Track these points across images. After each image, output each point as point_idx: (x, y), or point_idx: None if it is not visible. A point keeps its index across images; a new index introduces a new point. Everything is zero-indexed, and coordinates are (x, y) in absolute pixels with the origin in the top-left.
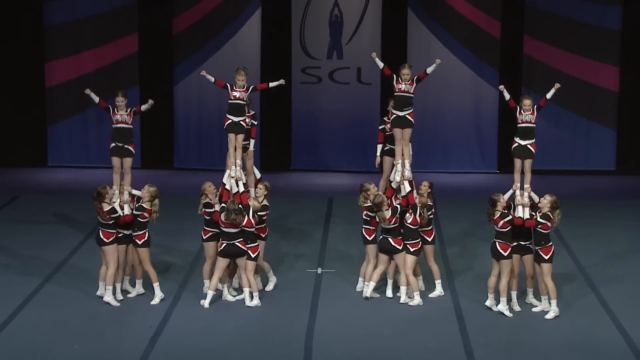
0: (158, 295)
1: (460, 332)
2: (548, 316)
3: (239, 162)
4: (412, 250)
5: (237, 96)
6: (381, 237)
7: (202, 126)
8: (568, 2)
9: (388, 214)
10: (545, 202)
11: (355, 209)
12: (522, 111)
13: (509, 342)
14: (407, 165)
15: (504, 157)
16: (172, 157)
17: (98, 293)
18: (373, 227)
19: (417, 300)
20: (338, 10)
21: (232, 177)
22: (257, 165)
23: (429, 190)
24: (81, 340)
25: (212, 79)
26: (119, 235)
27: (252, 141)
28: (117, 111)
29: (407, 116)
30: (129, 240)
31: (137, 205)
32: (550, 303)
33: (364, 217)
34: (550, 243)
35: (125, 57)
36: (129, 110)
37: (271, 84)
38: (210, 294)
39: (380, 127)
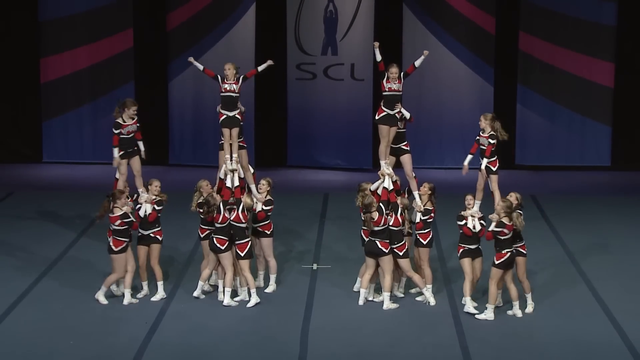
0: (160, 293)
1: (455, 328)
2: (478, 316)
3: (235, 156)
4: (400, 253)
5: (228, 89)
6: (368, 239)
7: (197, 122)
8: None
9: (376, 215)
10: (499, 208)
11: (351, 204)
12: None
13: (504, 337)
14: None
15: (499, 153)
16: (167, 153)
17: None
18: None
19: (427, 296)
20: (333, 6)
21: (231, 171)
22: (252, 162)
23: (429, 193)
24: (76, 336)
25: (201, 67)
26: (140, 235)
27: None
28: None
29: (397, 115)
30: (148, 240)
31: (157, 200)
32: (486, 307)
33: (363, 218)
34: (505, 251)
35: (120, 53)
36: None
37: (260, 68)
38: (200, 284)
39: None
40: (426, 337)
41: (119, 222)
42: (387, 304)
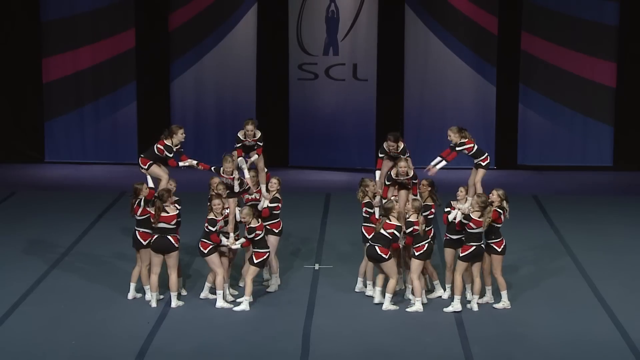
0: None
1: (457, 327)
2: (445, 309)
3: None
4: (417, 254)
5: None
6: (368, 244)
7: (199, 122)
8: None
9: (393, 219)
10: (474, 201)
11: (353, 204)
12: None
13: (505, 337)
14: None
15: (501, 154)
16: None
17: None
18: (373, 225)
19: (416, 306)
20: (334, 6)
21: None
22: None
23: (429, 189)
24: (78, 336)
25: (195, 162)
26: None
27: (259, 157)
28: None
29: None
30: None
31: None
32: (453, 299)
33: (364, 214)
34: (471, 244)
35: (122, 53)
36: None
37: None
38: (206, 286)
39: (380, 155)
40: (428, 337)
41: (174, 221)
42: (387, 305)
